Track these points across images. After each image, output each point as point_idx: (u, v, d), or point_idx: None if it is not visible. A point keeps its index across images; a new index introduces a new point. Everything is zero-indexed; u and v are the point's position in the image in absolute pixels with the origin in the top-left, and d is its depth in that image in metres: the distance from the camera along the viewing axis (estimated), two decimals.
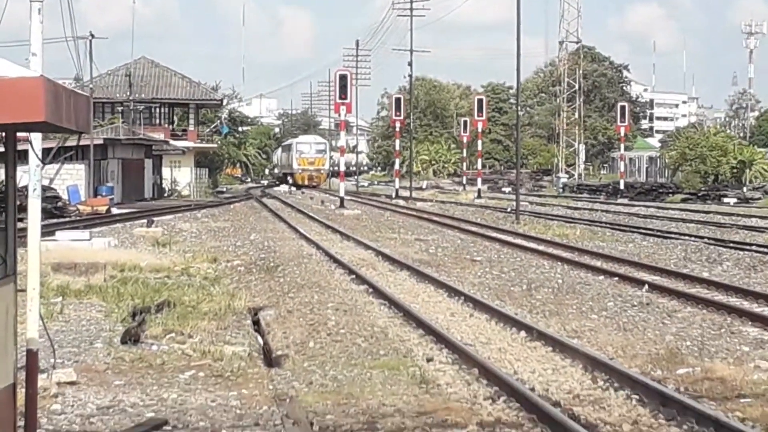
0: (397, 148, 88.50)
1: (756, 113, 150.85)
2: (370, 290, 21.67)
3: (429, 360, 14.23)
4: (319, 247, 31.82)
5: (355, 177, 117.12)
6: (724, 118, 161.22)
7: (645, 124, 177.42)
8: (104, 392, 11.93)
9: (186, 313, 17.62)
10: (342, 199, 61.99)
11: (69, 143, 44.30)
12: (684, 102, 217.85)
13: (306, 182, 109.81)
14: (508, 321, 17.28)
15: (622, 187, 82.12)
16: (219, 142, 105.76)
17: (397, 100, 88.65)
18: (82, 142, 55.69)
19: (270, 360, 14.67)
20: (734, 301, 20.02)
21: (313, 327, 17.12)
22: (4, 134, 7.41)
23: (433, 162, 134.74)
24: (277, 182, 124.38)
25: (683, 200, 72.11)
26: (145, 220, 44.16)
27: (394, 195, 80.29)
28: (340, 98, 64.08)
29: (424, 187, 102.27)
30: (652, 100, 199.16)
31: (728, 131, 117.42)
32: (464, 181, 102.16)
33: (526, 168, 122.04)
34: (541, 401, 11.36)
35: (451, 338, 15.41)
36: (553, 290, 22.03)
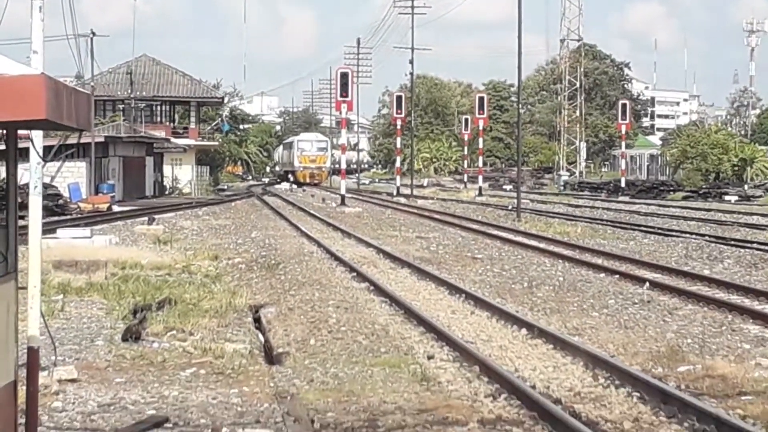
0: (398, 145, 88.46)
1: (757, 111, 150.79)
2: (371, 288, 21.68)
3: (430, 357, 14.23)
4: (320, 245, 31.82)
5: (357, 175, 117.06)
6: (725, 116, 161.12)
7: (646, 121, 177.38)
8: (105, 389, 11.93)
9: (187, 311, 17.62)
10: (343, 197, 61.99)
11: (70, 141, 44.28)
12: (685, 100, 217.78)
13: (307, 180, 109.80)
14: (509, 318, 17.29)
15: (623, 184, 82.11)
16: (220, 140, 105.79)
17: (399, 97, 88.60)
18: (83, 140, 55.67)
19: (271, 357, 14.68)
20: (735, 298, 20.01)
21: (314, 324, 17.13)
22: (5, 132, 7.41)
23: (434, 160, 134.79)
24: (278, 180, 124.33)
25: (684, 198, 72.07)
26: (146, 218, 44.17)
27: (395, 193, 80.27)
28: (342, 96, 64.08)
29: (425, 184, 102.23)
30: (653, 98, 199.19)
31: (729, 129, 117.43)
32: (465, 179, 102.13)
33: (527, 166, 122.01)
34: (542, 399, 11.37)
35: (452, 336, 15.41)
36: (554, 288, 22.03)
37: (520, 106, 59.83)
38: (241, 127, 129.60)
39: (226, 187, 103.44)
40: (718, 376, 12.94)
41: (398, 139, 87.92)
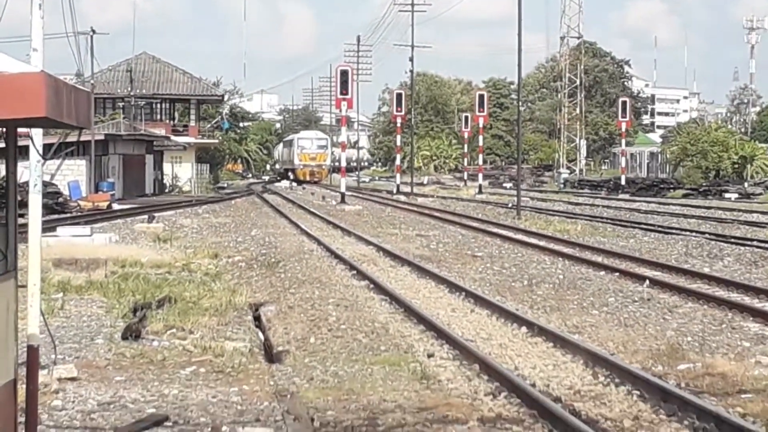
0: (398, 143, 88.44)
1: (757, 109, 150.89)
2: (371, 286, 21.67)
3: (430, 356, 14.23)
4: (320, 243, 31.82)
5: (357, 172, 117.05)
6: (725, 114, 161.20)
7: (646, 119, 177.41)
8: (105, 388, 11.92)
9: (187, 309, 17.62)
10: (343, 195, 62.00)
11: (70, 139, 44.28)
12: (685, 97, 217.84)
13: (307, 178, 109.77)
14: (509, 317, 17.29)
15: (623, 182, 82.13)
16: (220, 138, 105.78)
17: (398, 95, 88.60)
18: (83, 138, 55.66)
19: (271, 356, 14.67)
20: (735, 296, 20.01)
21: (314, 323, 17.12)
22: (4, 130, 7.40)
23: (434, 158, 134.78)
24: (278, 178, 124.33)
25: (684, 196, 72.06)
26: (146, 216, 44.16)
27: (395, 191, 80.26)
28: (341, 94, 64.10)
29: (425, 182, 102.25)
30: (653, 96, 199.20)
31: (729, 127, 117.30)
32: (465, 177, 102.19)
33: (527, 163, 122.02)
34: (542, 397, 11.36)
35: (452, 334, 15.41)
36: (554, 286, 22.03)
37: (520, 103, 59.77)
38: (241, 124, 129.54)
39: (226, 185, 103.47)
40: (718, 374, 12.93)
41: (398, 137, 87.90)
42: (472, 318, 17.69)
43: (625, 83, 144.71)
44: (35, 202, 8.05)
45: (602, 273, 24.17)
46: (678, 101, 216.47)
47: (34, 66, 7.35)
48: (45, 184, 42.26)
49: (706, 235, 34.10)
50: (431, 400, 11.67)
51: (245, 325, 16.75)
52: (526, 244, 31.84)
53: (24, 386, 8.14)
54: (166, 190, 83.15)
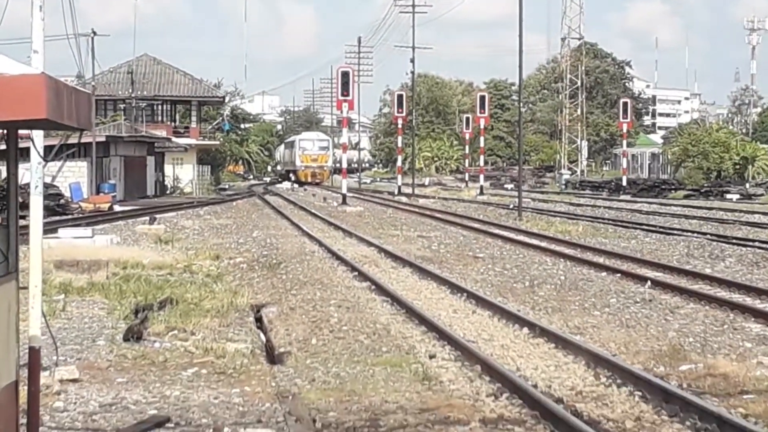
0: (400, 144, 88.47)
1: (758, 109, 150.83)
2: (373, 287, 21.67)
3: (431, 357, 14.22)
4: (321, 244, 31.82)
5: (358, 174, 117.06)
6: (726, 115, 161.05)
7: (647, 120, 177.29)
8: (107, 389, 11.92)
9: (188, 311, 17.62)
10: (344, 196, 62.00)
11: (71, 141, 44.31)
12: (686, 98, 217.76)
13: (309, 179, 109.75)
14: (510, 318, 17.28)
15: (624, 183, 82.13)
16: (221, 139, 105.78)
17: (400, 96, 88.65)
18: (84, 140, 55.68)
19: (272, 357, 14.67)
20: (737, 297, 20.00)
21: (316, 324, 17.12)
22: (5, 132, 7.40)
23: (436, 159, 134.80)
24: (279, 179, 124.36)
25: (686, 197, 72.06)
26: (147, 218, 44.17)
27: (396, 192, 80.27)
28: (343, 95, 64.11)
29: (426, 183, 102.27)
30: (654, 97, 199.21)
31: (731, 127, 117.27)
32: (467, 178, 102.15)
33: (529, 165, 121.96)
34: (543, 398, 11.36)
35: (453, 335, 15.40)
36: (556, 287, 22.02)
37: (522, 104, 59.75)
38: (242, 126, 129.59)
39: (227, 186, 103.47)
40: (719, 375, 12.93)
41: (399, 138, 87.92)
42: (473, 319, 17.69)
43: (627, 84, 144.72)
44: (36, 203, 8.05)
45: (604, 274, 24.16)
46: (679, 102, 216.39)
47: (35, 68, 7.35)
48: (46, 186, 42.28)
49: (708, 236, 34.09)
50: (433, 401, 11.66)
51: (247, 327, 16.74)
52: (528, 245, 31.84)
53: (26, 388, 8.14)
54: (168, 192, 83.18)
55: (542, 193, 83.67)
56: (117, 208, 53.46)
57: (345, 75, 64.97)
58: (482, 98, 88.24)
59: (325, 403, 11.52)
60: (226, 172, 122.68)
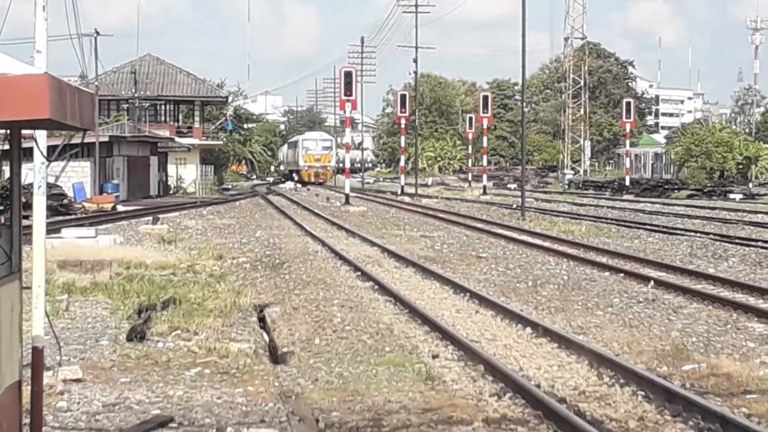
0: (403, 144, 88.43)
1: (761, 109, 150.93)
2: (376, 287, 21.67)
3: (434, 357, 14.22)
4: (324, 244, 31.82)
5: (361, 174, 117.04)
6: (729, 114, 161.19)
7: (650, 120, 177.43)
8: (110, 389, 11.93)
9: (192, 311, 17.63)
10: (347, 196, 61.99)
11: (74, 141, 44.36)
12: (689, 98, 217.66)
13: (312, 179, 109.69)
14: (513, 317, 17.28)
15: (627, 183, 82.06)
16: (224, 139, 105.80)
17: (402, 96, 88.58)
18: (87, 140, 55.65)
19: (276, 357, 14.67)
20: (740, 297, 19.99)
21: (319, 324, 17.12)
22: (8, 132, 7.41)
23: (439, 159, 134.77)
24: (282, 179, 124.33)
25: (689, 196, 72.01)
26: (150, 218, 44.19)
27: (399, 192, 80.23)
28: (346, 95, 64.08)
29: (429, 183, 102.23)
30: (657, 96, 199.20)
31: (734, 127, 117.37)
32: (469, 178, 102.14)
33: (532, 164, 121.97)
34: (546, 398, 11.36)
35: (456, 335, 15.41)
36: (559, 286, 22.01)
37: (525, 104, 59.69)
38: (245, 126, 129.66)
39: (230, 186, 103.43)
40: (723, 375, 12.92)
41: (402, 138, 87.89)
42: (476, 319, 17.69)
43: (629, 84, 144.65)
44: (39, 203, 8.06)
45: (607, 274, 24.15)
46: (682, 102, 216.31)
47: (38, 68, 7.36)
48: (49, 186, 42.29)
49: (711, 236, 34.07)
50: (436, 400, 11.66)
51: (250, 327, 16.74)
52: (531, 244, 31.83)
53: (29, 387, 8.14)
54: (171, 192, 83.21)
55: (545, 192, 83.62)
56: (120, 208, 53.49)
57: (348, 75, 64.95)
58: (485, 98, 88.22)
59: (328, 403, 11.52)
60: (229, 172, 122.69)
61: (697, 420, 10.60)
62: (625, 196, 73.73)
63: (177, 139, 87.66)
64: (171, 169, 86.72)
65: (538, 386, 12.21)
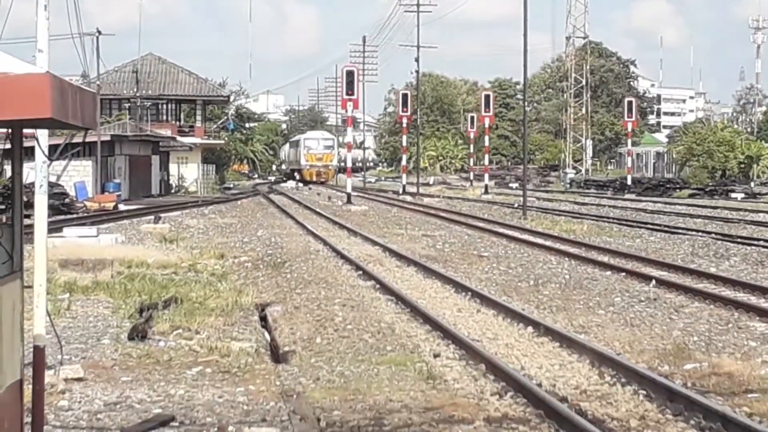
0: (404, 144, 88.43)
1: (763, 108, 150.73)
2: (377, 286, 21.67)
3: (436, 356, 14.22)
4: (326, 243, 31.82)
5: (363, 173, 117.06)
6: (731, 114, 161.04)
7: (652, 119, 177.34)
8: (111, 388, 11.93)
9: (193, 310, 17.63)
10: (349, 195, 61.97)
11: (75, 140, 44.38)
12: (691, 97, 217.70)
13: (314, 178, 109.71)
14: (515, 316, 17.28)
15: (629, 182, 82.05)
16: (226, 139, 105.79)
17: (404, 96, 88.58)
18: (89, 139, 55.73)
19: (277, 356, 14.68)
20: (741, 296, 19.98)
21: (320, 323, 17.13)
22: (10, 131, 7.42)
23: (440, 158, 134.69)
24: (284, 178, 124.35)
25: (690, 195, 72.02)
26: (152, 217, 44.18)
27: (401, 191, 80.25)
28: (347, 94, 64.03)
29: (431, 183, 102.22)
30: (659, 96, 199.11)
31: (735, 126, 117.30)
32: (471, 177, 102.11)
33: (533, 164, 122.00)
34: (548, 397, 11.35)
35: (458, 334, 15.41)
36: (560, 286, 22.01)
37: (526, 103, 59.68)
38: (246, 125, 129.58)
39: (232, 185, 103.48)
40: (724, 374, 12.92)
41: (404, 138, 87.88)
42: (478, 318, 17.69)
43: (631, 83, 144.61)
44: (41, 202, 8.06)
45: (608, 273, 24.15)
46: (684, 101, 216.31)
47: (40, 67, 7.36)
48: (51, 185, 42.33)
49: (713, 235, 34.07)
50: (437, 400, 11.67)
51: (251, 326, 16.75)
52: (532, 244, 31.83)
53: (30, 386, 8.14)
54: (172, 191, 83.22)
55: (547, 192, 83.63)
56: (122, 207, 53.48)
57: (350, 74, 64.90)
58: (487, 97, 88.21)
59: (330, 402, 11.52)
60: (231, 171, 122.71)
61: (699, 419, 10.60)
62: (627, 196, 73.72)
63: (179, 138, 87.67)
64: (173, 168, 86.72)
65: (540, 385, 12.21)
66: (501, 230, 37.58)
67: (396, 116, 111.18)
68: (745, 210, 51.22)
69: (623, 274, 23.71)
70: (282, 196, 75.83)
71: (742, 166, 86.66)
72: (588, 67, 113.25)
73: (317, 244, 32.47)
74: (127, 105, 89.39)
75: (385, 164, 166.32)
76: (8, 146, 7.55)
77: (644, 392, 11.81)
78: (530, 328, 16.17)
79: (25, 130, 7.53)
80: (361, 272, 24.21)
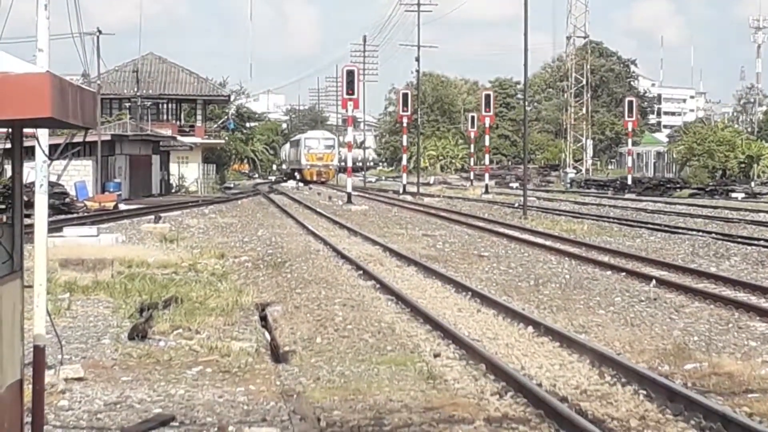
0: (405, 143, 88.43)
1: (764, 108, 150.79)
2: (378, 286, 21.67)
3: (436, 355, 14.22)
4: (326, 243, 31.82)
5: (363, 173, 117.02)
6: (731, 113, 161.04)
7: (653, 119, 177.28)
8: (111, 388, 11.93)
9: (193, 309, 17.63)
10: (349, 195, 61.97)
11: (76, 139, 44.39)
12: (692, 97, 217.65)
13: (314, 178, 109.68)
14: (515, 316, 17.27)
15: (629, 182, 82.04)
16: (226, 138, 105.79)
17: (405, 95, 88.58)
18: (89, 139, 55.70)
19: (277, 356, 14.67)
20: (742, 296, 19.98)
21: (321, 323, 17.12)
22: (10, 130, 7.41)
23: (441, 157, 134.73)
24: (284, 178, 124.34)
25: (691, 195, 72.01)
26: (152, 216, 44.19)
27: (401, 190, 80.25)
28: (348, 94, 64.04)
29: (431, 182, 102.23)
30: (659, 95, 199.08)
31: (736, 126, 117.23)
32: (472, 177, 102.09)
33: (534, 163, 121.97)
34: (548, 397, 11.35)
35: (458, 334, 15.40)
36: (561, 285, 22.01)
37: (527, 103, 59.69)
38: (247, 125, 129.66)
39: (232, 185, 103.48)
40: (724, 374, 12.92)
41: (404, 137, 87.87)
42: (478, 318, 17.69)
43: (632, 83, 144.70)
44: (41, 202, 8.06)
45: (609, 273, 24.15)
46: (684, 101, 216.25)
47: (40, 66, 7.36)
48: (51, 185, 42.32)
49: (713, 235, 34.06)
50: (438, 399, 11.66)
51: (252, 325, 16.75)
52: (533, 243, 31.83)
53: (30, 386, 8.14)
54: (173, 191, 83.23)
55: (547, 191, 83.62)
56: (122, 206, 53.47)
57: (350, 74, 64.89)
58: (487, 97, 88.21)
59: (330, 402, 11.52)
60: (231, 170, 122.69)
61: (699, 419, 10.59)
62: (627, 195, 73.70)
63: (179, 137, 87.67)
64: (173, 167, 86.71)
65: (540, 385, 12.21)
66: (501, 230, 37.58)
67: (396, 116, 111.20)
68: (746, 210, 51.21)
69: (623, 273, 23.71)
70: (282, 195, 75.83)
71: (743, 165, 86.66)
72: (588, 66, 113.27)
73: (317, 243, 32.48)
74: (127, 104, 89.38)
75: (385, 164, 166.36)
76: (8, 146, 7.54)
77: (644, 392, 11.81)
78: (530, 328, 16.17)
79: (25, 130, 7.53)
80: (361, 272, 24.21)
